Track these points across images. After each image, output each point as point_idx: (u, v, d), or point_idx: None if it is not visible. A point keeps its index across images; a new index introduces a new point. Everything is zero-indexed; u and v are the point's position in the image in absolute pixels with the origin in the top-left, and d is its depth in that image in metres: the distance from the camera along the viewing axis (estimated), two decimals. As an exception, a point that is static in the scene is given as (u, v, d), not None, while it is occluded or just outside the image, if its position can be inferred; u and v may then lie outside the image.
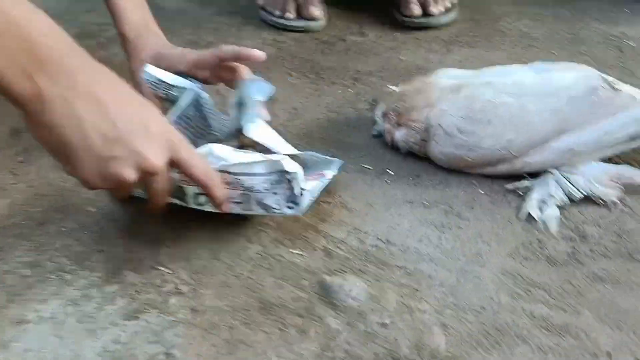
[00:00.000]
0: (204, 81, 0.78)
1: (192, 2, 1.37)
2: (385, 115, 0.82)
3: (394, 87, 0.83)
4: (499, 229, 0.69)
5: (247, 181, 0.63)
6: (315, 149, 0.78)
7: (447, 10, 1.23)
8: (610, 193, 0.72)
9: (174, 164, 0.57)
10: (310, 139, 0.86)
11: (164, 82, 0.75)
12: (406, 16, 1.21)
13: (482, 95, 0.74)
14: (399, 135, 0.79)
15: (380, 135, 0.84)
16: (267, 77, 0.78)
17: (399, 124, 0.79)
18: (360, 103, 0.95)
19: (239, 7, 1.33)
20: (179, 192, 0.64)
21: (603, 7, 1.30)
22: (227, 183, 0.63)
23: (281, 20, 1.22)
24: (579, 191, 0.72)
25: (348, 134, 0.87)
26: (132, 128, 0.52)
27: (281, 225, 0.69)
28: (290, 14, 1.22)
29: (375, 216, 0.71)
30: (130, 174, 0.53)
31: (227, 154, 0.66)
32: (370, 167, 0.80)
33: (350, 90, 1.00)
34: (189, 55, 0.79)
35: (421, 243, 0.67)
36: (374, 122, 0.85)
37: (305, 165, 0.68)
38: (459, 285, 0.61)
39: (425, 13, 1.21)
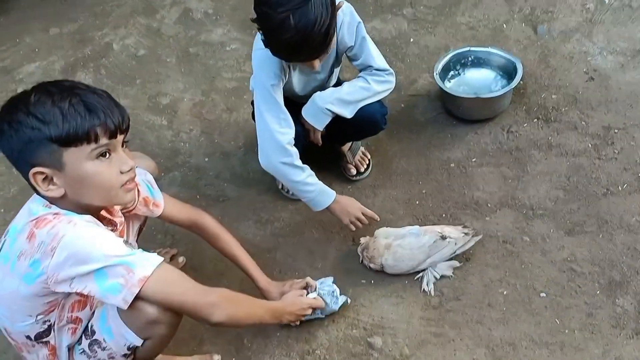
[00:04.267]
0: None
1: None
2: (362, 254, 1.90)
3: (363, 239, 1.90)
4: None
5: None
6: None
7: (368, 166, 2.19)
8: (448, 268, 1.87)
9: None
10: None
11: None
12: (349, 175, 2.18)
13: (398, 250, 1.84)
14: (370, 264, 1.88)
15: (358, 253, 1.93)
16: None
17: (369, 259, 1.87)
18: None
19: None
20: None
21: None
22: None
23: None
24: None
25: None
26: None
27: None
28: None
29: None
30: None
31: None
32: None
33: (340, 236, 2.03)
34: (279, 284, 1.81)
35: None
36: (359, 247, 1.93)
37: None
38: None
39: (358, 172, 2.17)
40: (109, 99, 1.27)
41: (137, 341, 1.36)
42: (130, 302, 1.23)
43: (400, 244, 1.83)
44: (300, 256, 1.96)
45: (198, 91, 2.64)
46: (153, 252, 1.94)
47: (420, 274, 1.86)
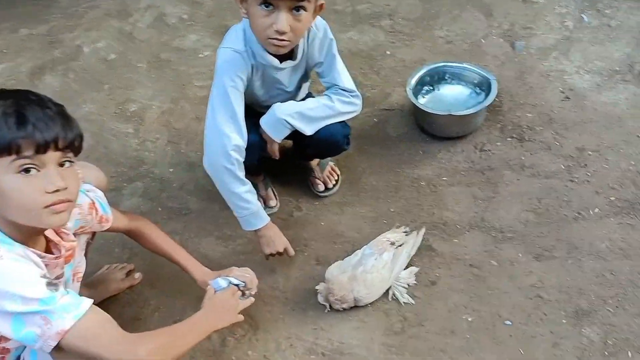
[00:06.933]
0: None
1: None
2: (326, 301, 1.76)
3: (321, 285, 1.78)
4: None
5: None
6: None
7: (336, 181, 2.12)
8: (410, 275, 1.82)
9: None
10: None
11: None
12: (317, 191, 2.11)
13: (367, 277, 1.74)
14: (342, 305, 1.75)
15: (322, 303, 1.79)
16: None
17: (340, 301, 1.74)
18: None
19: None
20: None
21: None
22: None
23: None
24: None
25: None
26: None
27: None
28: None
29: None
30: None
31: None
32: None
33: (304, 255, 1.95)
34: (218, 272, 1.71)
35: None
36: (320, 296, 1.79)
37: None
38: None
39: (326, 187, 2.10)
40: (58, 114, 1.20)
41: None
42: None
43: (365, 270, 1.76)
44: (262, 276, 1.86)
45: (167, 98, 2.57)
46: (109, 266, 1.94)
47: (390, 293, 1.80)
